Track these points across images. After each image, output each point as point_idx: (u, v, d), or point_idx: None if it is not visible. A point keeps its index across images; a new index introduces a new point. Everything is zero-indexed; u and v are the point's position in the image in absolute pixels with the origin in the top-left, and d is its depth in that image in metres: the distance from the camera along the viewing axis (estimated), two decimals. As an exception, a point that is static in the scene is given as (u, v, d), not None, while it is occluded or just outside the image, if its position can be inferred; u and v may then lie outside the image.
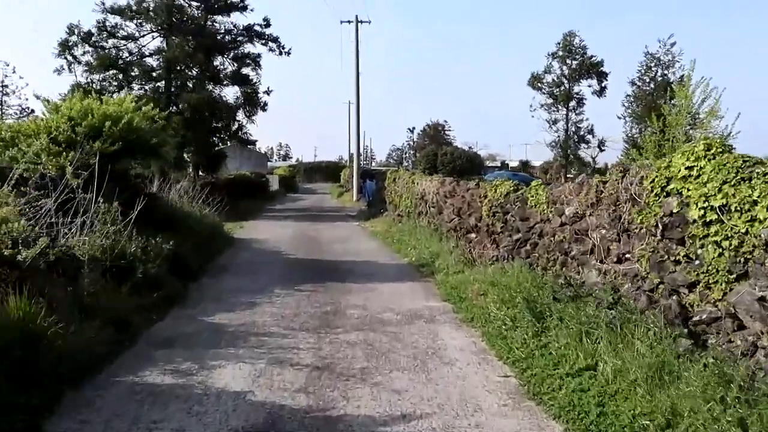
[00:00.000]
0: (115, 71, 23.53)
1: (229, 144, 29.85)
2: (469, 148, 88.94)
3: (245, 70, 26.20)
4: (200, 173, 28.94)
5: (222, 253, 12.99)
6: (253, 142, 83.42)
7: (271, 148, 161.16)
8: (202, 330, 6.79)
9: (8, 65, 53.80)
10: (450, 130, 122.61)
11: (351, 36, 34.26)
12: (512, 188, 10.53)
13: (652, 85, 33.09)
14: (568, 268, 8.04)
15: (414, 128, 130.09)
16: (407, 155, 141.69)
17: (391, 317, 7.49)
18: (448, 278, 9.78)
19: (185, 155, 26.45)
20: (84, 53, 23.31)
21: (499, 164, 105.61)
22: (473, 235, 12.23)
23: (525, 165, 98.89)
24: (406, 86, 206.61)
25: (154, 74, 23.77)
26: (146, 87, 23.56)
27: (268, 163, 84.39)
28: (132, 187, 11.36)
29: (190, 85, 24.09)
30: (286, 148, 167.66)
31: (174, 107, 23.38)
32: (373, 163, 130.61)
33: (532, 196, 9.37)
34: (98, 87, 23.44)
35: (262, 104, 26.72)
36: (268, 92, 27.05)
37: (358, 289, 9.29)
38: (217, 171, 29.65)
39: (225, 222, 19.84)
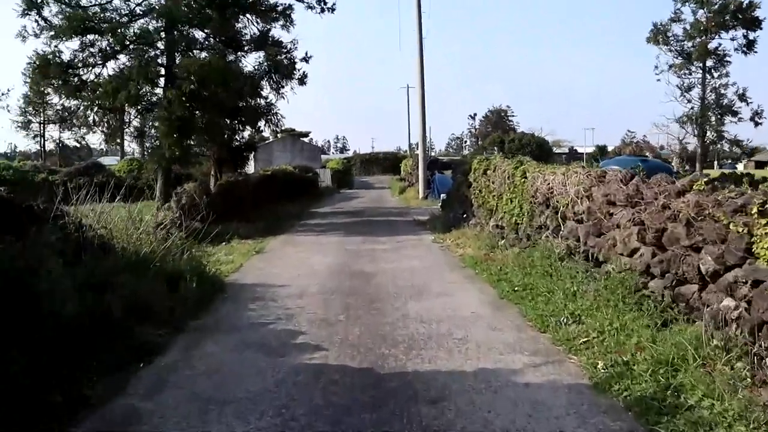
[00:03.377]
0: (95, 36, 17.21)
1: (255, 130, 23.12)
2: (534, 134, 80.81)
3: (274, 31, 19.42)
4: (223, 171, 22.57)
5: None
6: (306, 134, 77.91)
7: (328, 141, 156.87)
8: None
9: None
10: (513, 116, 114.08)
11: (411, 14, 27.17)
12: None
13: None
14: None
15: (475, 114, 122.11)
16: (467, 143, 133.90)
17: None
18: None
19: (197, 147, 20.02)
20: (58, 13, 17.09)
21: (567, 150, 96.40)
22: (727, 302, 5.04)
23: (602, 150, 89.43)
24: (465, 71, 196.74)
25: (146, 39, 17.31)
26: (141, 57, 17.06)
27: (323, 156, 78.79)
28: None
29: (195, 53, 17.45)
30: (343, 140, 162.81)
31: (170, 84, 16.85)
32: (432, 153, 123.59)
33: None
34: (71, 58, 17.30)
35: (298, 75, 19.85)
36: (306, 59, 20.16)
37: None
38: (242, 167, 23.14)
39: (232, 245, 13.29)
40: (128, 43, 17.42)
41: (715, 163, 63.44)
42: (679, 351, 4.74)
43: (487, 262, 10.80)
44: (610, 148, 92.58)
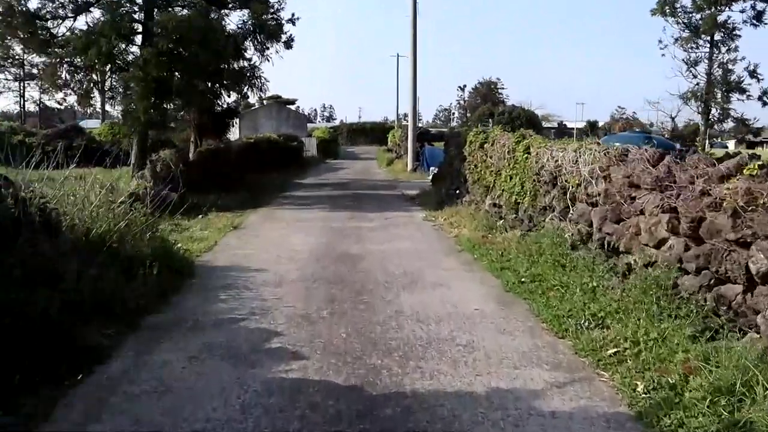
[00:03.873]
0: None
1: (240, 96, 21.71)
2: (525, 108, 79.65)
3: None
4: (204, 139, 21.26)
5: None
6: (292, 101, 75.92)
7: (315, 110, 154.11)
8: None
9: None
10: (503, 88, 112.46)
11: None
12: None
13: None
14: None
15: (465, 86, 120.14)
16: (456, 115, 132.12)
17: None
18: None
19: (175, 112, 18.70)
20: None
21: (556, 125, 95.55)
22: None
23: (593, 125, 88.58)
24: (455, 41, 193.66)
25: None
26: (114, 11, 15.53)
27: (309, 125, 77.12)
28: None
29: (175, 10, 15.97)
30: (330, 109, 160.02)
31: (148, 43, 15.47)
32: (420, 125, 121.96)
33: None
34: (38, 8, 15.82)
35: (285, 38, 18.47)
36: (293, 20, 18.76)
37: None
38: (224, 134, 21.84)
39: (209, 218, 12.27)
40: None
41: (705, 141, 62.93)
42: (742, 375, 3.84)
43: (486, 245, 9.86)
44: (600, 124, 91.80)
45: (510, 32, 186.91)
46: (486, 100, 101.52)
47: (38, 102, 66.16)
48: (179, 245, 8.83)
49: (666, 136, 54.23)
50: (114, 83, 16.34)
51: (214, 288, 6.97)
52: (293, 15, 18.75)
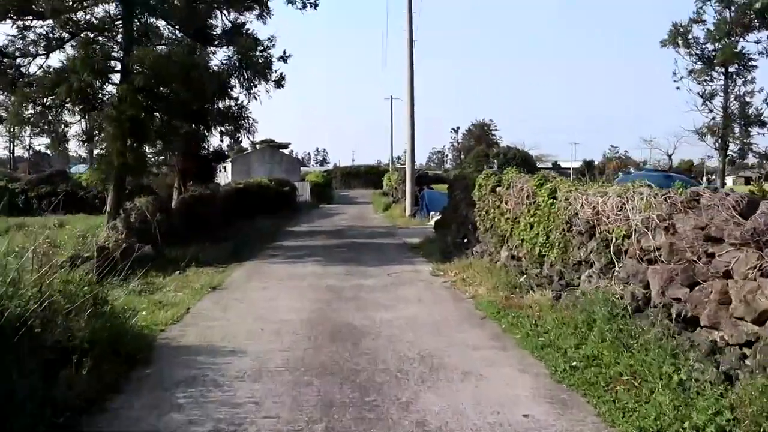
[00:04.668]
0: (35, 20, 14.41)
1: (234, 140, 20.25)
2: (519, 149, 79.22)
3: (250, 25, 16.75)
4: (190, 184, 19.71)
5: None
6: (285, 145, 75.15)
7: (308, 154, 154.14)
8: None
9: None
10: (497, 130, 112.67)
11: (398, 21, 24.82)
12: None
13: None
14: None
15: (458, 128, 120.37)
16: (449, 157, 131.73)
17: None
18: None
19: (156, 156, 17.18)
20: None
21: (550, 165, 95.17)
22: None
23: (589, 165, 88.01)
24: (446, 85, 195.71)
25: (97, 26, 14.50)
26: (89, 47, 14.13)
27: (303, 169, 76.20)
28: None
29: (157, 48, 14.63)
30: (323, 152, 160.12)
31: (125, 80, 14.07)
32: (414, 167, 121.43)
33: None
34: (5, 44, 14.48)
35: (275, 76, 17.15)
36: (284, 58, 17.46)
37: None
38: (210, 179, 20.32)
39: (187, 274, 10.68)
40: (76, 30, 14.63)
41: (704, 178, 62.08)
42: None
43: (513, 310, 8.21)
44: (595, 163, 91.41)
45: (500, 74, 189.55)
46: (480, 142, 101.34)
47: (28, 147, 65.04)
48: (137, 319, 7.10)
49: (644, 171, 53.24)
50: (88, 124, 14.81)
51: (172, 384, 5.24)
52: (284, 52, 17.50)
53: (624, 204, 7.52)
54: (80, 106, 13.66)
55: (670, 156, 78.91)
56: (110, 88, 14.28)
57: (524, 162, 72.35)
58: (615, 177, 26.61)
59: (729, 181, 66.69)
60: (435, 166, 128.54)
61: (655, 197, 6.88)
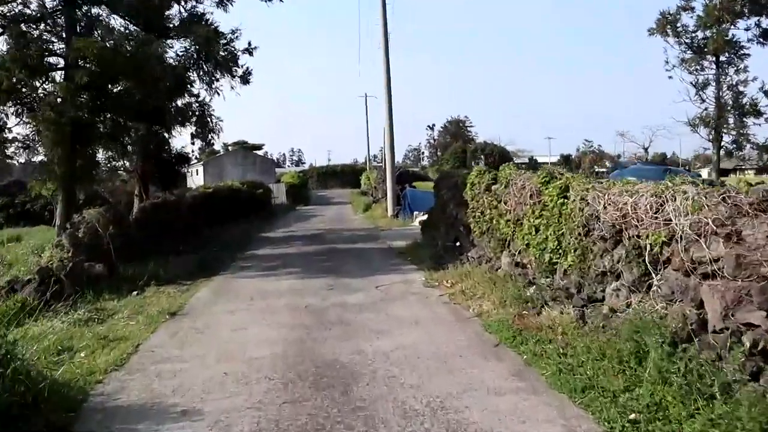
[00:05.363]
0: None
1: (206, 143, 18.62)
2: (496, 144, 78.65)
3: (210, 17, 15.13)
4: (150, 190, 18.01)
5: None
6: (259, 147, 73.09)
7: (283, 155, 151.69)
8: None
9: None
10: (472, 126, 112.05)
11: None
12: None
13: None
14: None
15: (434, 125, 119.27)
16: (425, 154, 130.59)
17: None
18: None
19: (111, 161, 15.50)
20: None
21: (527, 160, 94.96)
22: None
23: (566, 159, 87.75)
24: (419, 81, 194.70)
25: (32, 17, 12.76)
26: (21, 40, 12.40)
27: (278, 170, 74.47)
28: None
29: (99, 33, 12.92)
30: (298, 153, 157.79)
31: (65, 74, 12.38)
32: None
33: None
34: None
35: (240, 72, 15.60)
36: (250, 51, 15.94)
37: None
38: (174, 184, 18.65)
39: (145, 295, 9.20)
40: (5, 22, 12.88)
41: (686, 170, 61.81)
42: None
43: (529, 331, 6.88)
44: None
45: (474, 69, 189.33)
46: (456, 139, 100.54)
47: (-13, 156, 61.91)
48: (63, 370, 5.58)
49: (638, 164, 52.61)
50: (26, 128, 13.08)
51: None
52: (249, 44, 15.95)
53: (662, 205, 6.25)
54: (14, 108, 11.92)
55: (645, 149, 78.96)
56: (52, 88, 12.57)
57: (501, 157, 71.74)
58: (591, 170, 25.55)
59: (704, 173, 66.59)
60: (411, 163, 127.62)
61: (707, 197, 5.61)
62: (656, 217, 6.28)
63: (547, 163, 77.88)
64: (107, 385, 5.59)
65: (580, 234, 7.87)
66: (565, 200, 8.41)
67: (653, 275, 6.41)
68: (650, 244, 6.35)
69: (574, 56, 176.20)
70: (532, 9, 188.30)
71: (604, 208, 7.20)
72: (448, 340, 6.77)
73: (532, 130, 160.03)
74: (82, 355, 6.61)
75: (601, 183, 7.83)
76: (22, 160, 14.44)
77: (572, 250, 8.05)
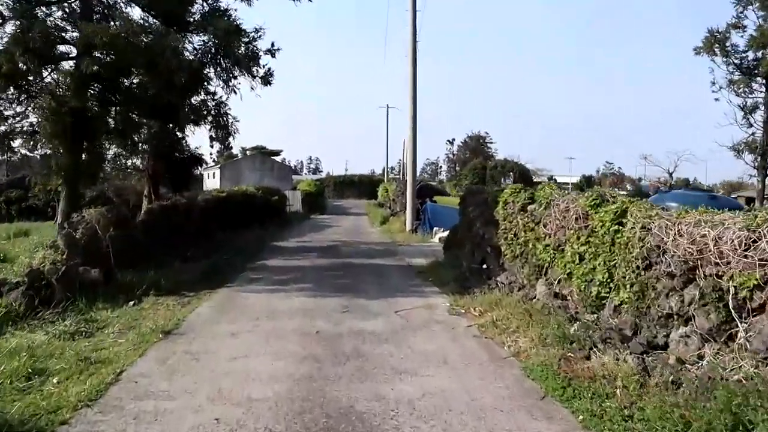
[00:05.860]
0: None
1: (224, 147, 17.80)
2: (517, 162, 77.50)
3: (228, 1, 14.32)
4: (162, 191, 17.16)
5: None
6: (277, 152, 72.57)
7: (301, 162, 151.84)
8: None
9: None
10: (492, 142, 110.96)
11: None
12: None
13: None
14: None
15: (454, 140, 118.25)
16: (443, 168, 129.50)
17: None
18: None
19: (122, 159, 14.67)
20: None
21: (546, 179, 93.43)
22: None
23: (588, 180, 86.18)
24: (440, 93, 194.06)
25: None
26: (27, 24, 11.62)
27: (295, 177, 73.92)
28: None
29: (116, 23, 12.10)
30: (316, 161, 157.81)
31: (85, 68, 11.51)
32: (407, 178, 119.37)
33: None
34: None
35: (262, 72, 14.75)
36: (272, 52, 15.10)
37: None
38: (186, 186, 17.79)
39: (143, 306, 8.25)
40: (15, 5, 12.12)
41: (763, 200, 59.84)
42: None
43: (579, 381, 5.79)
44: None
45: (496, 87, 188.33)
46: (476, 154, 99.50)
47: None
48: (22, 405, 4.60)
49: (663, 189, 50.96)
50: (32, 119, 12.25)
51: None
52: (273, 45, 15.09)
53: (755, 241, 5.17)
54: (15, 96, 11.11)
55: (671, 173, 77.17)
56: (57, 76, 11.76)
57: (521, 175, 70.57)
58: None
59: (741, 201, 64.41)
60: (429, 177, 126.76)
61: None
62: (746, 255, 5.21)
63: (568, 184, 76.61)
64: (72, 427, 4.60)
65: (638, 267, 6.80)
66: (620, 227, 7.34)
67: (738, 324, 5.32)
68: (736, 286, 5.28)
69: (602, 80, 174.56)
70: (550, 19, 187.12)
71: (674, 239, 6.12)
72: (484, 388, 5.69)
73: (553, 150, 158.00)
74: (55, 381, 5.64)
75: (671, 210, 6.76)
76: (28, 154, 13.59)
77: (628, 285, 6.97)
